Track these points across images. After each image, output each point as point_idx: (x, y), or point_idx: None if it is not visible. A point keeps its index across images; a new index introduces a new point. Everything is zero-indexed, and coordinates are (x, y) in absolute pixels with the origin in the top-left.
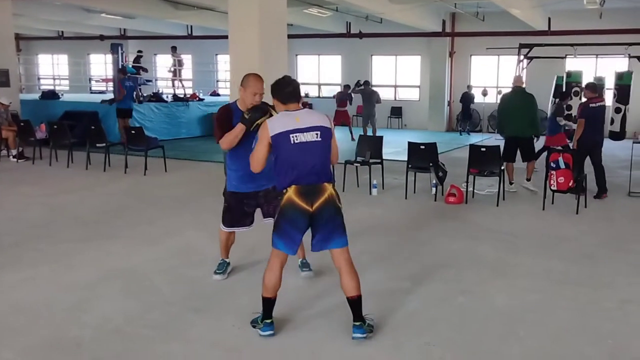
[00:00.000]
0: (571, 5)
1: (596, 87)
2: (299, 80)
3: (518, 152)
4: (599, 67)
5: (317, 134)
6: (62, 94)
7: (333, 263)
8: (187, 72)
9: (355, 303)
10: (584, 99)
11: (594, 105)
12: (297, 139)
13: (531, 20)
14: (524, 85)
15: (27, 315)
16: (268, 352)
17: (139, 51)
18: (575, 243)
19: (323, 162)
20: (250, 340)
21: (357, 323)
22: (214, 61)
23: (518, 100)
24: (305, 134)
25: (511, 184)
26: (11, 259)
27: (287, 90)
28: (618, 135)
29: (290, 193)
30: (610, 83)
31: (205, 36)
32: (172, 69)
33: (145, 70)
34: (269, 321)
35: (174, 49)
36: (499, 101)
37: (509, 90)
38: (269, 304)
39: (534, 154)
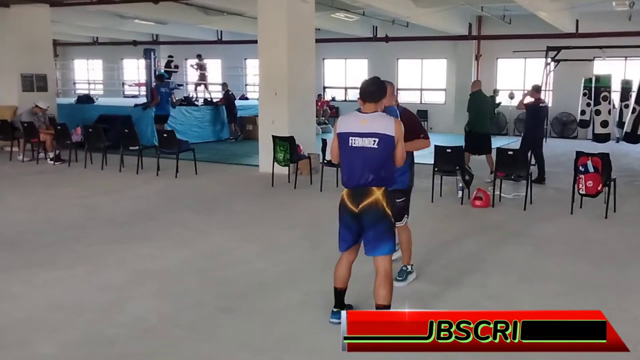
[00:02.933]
0: (599, 7)
1: (540, 89)
2: (326, 84)
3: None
4: (628, 70)
5: (374, 141)
6: (96, 98)
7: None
8: (216, 76)
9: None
10: (530, 99)
11: (542, 105)
12: (354, 143)
13: (558, 22)
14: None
15: (64, 313)
16: (296, 353)
17: (170, 56)
18: (604, 248)
19: (376, 169)
20: (278, 341)
21: None
22: (243, 65)
23: (483, 100)
24: (363, 139)
25: (492, 173)
26: (48, 258)
27: (369, 89)
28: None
29: (343, 193)
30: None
31: (235, 41)
32: (199, 74)
33: (177, 67)
34: (335, 310)
35: (199, 57)
36: (468, 101)
37: (474, 91)
38: (337, 293)
39: (490, 149)
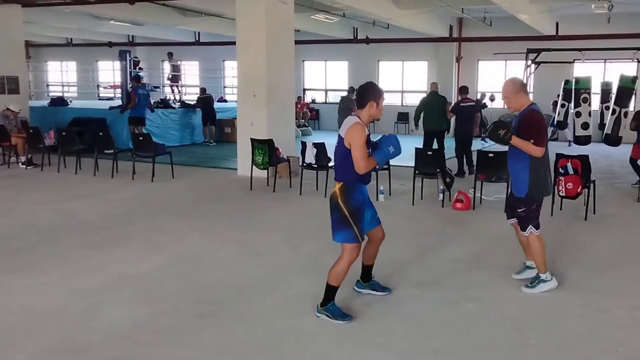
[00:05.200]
0: (579, 10)
1: (467, 90)
2: (305, 85)
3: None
4: (608, 72)
5: (338, 140)
6: (70, 101)
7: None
8: (194, 78)
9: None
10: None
11: (464, 104)
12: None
13: (539, 25)
14: (438, 90)
15: (38, 319)
16: (278, 358)
17: (135, 57)
18: (584, 249)
19: (337, 165)
20: (258, 347)
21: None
22: (222, 67)
23: (434, 101)
24: (337, 138)
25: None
26: (21, 264)
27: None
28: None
29: None
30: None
31: (213, 42)
32: (170, 76)
33: (141, 69)
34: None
35: (170, 55)
36: (418, 102)
37: (427, 93)
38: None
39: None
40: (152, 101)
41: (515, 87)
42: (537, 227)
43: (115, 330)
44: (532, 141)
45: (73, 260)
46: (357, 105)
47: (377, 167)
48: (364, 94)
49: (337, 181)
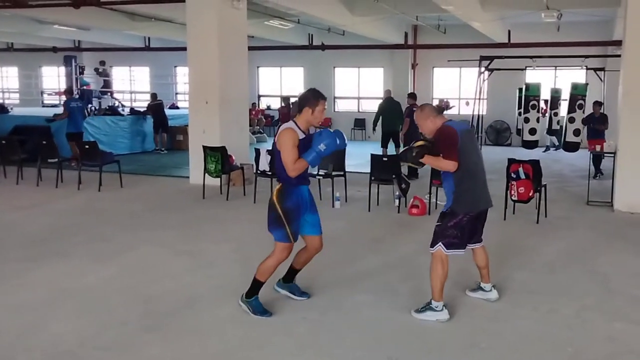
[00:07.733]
0: (530, 19)
1: (416, 96)
2: (260, 92)
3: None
4: (558, 79)
5: (272, 145)
6: (11, 108)
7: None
8: (144, 84)
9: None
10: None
11: (414, 109)
12: None
13: (491, 32)
14: (391, 95)
15: None
16: None
17: (101, 62)
18: (535, 252)
19: (277, 166)
20: (209, 359)
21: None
22: (173, 73)
23: (390, 105)
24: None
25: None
26: None
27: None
28: (574, 146)
29: None
30: (567, 94)
31: (164, 48)
32: (102, 82)
33: (107, 76)
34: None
35: (102, 63)
36: (377, 106)
37: (384, 99)
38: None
39: (399, 142)
40: (89, 112)
41: (422, 114)
42: (448, 246)
43: (56, 347)
44: (442, 155)
45: (13, 274)
46: (298, 110)
47: (312, 166)
48: (301, 100)
49: (278, 182)
